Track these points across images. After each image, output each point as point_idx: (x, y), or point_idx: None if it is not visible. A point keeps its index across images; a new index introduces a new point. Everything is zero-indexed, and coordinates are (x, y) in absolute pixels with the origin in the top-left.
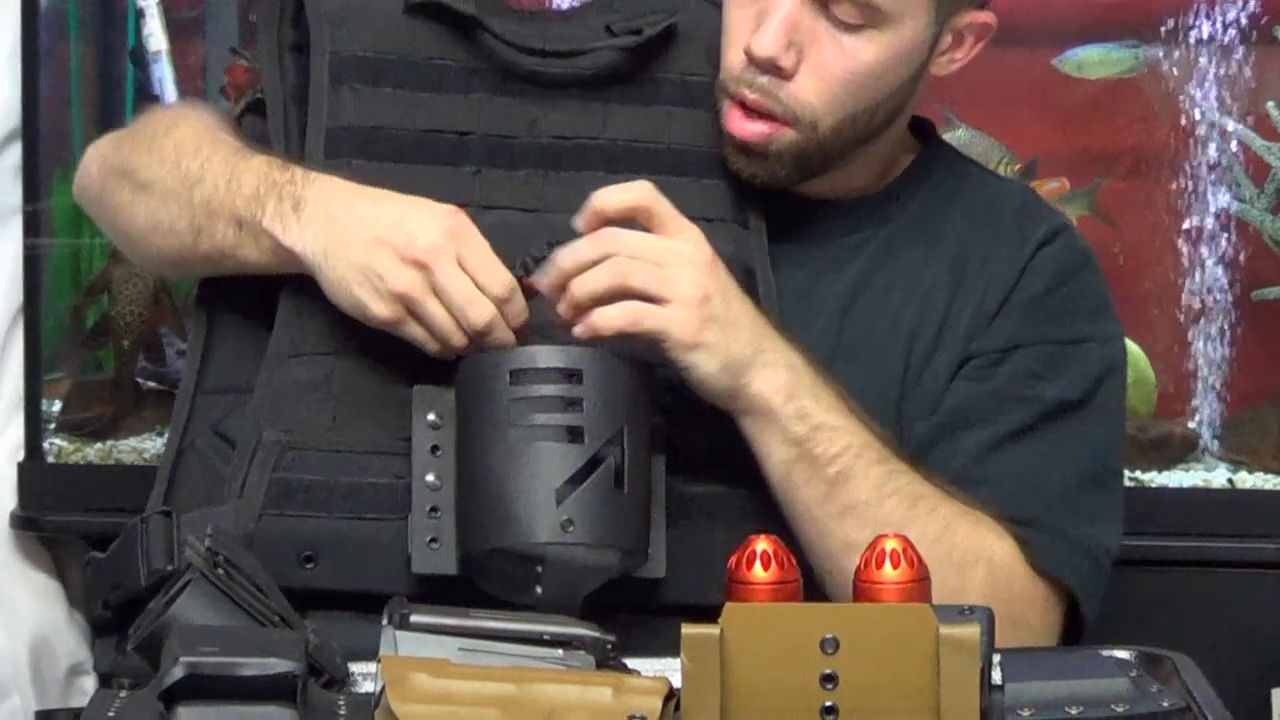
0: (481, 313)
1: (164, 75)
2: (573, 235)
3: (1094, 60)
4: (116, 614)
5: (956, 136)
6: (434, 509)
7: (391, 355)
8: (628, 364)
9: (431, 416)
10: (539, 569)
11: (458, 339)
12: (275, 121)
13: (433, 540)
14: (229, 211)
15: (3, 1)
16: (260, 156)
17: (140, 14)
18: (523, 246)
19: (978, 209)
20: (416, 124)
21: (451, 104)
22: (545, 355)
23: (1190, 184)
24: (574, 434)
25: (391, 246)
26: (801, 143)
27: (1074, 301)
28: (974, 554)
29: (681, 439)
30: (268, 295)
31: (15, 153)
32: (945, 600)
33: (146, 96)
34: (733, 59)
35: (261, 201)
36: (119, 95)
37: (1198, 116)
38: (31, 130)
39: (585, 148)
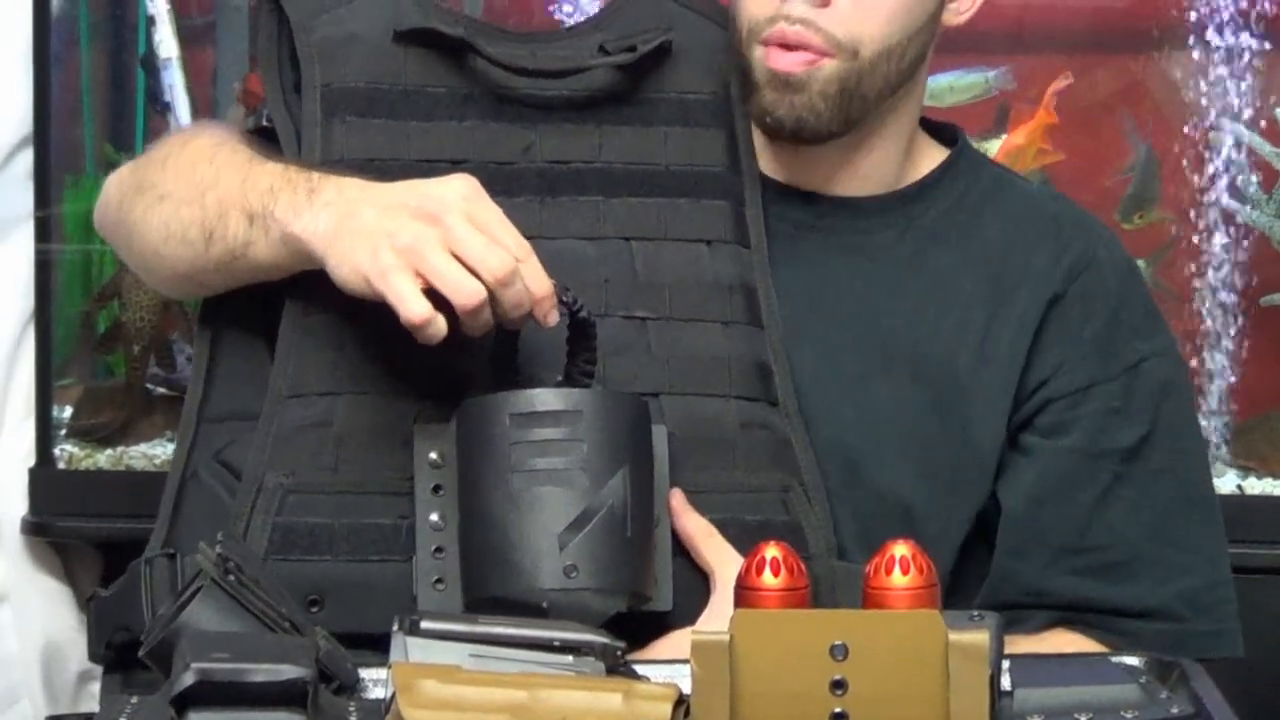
0: (503, 259)
1: (175, 82)
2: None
3: (944, 88)
4: (120, 654)
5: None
6: (438, 549)
7: (392, 393)
8: (628, 401)
9: (434, 455)
10: (544, 614)
11: (469, 288)
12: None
13: (438, 581)
14: (241, 206)
15: (14, 7)
16: (275, 161)
17: (151, 20)
18: None
19: (1012, 214)
20: (410, 154)
21: (445, 132)
22: (544, 398)
23: (1199, 188)
24: (575, 478)
25: (404, 208)
26: (843, 73)
27: (1128, 323)
28: None
29: (685, 470)
30: (270, 322)
31: (26, 159)
32: None
33: (157, 103)
34: (761, 4)
35: (275, 194)
36: (130, 102)
37: (1211, 122)
38: (42, 136)
39: (581, 172)
